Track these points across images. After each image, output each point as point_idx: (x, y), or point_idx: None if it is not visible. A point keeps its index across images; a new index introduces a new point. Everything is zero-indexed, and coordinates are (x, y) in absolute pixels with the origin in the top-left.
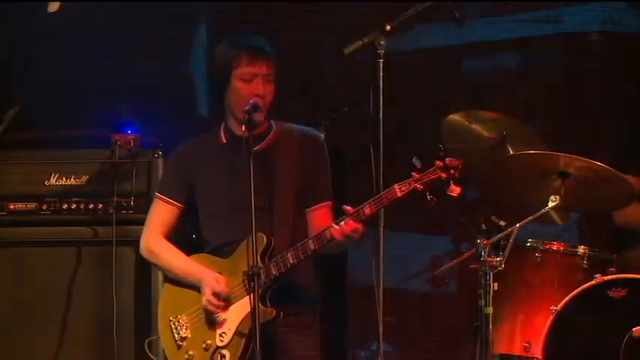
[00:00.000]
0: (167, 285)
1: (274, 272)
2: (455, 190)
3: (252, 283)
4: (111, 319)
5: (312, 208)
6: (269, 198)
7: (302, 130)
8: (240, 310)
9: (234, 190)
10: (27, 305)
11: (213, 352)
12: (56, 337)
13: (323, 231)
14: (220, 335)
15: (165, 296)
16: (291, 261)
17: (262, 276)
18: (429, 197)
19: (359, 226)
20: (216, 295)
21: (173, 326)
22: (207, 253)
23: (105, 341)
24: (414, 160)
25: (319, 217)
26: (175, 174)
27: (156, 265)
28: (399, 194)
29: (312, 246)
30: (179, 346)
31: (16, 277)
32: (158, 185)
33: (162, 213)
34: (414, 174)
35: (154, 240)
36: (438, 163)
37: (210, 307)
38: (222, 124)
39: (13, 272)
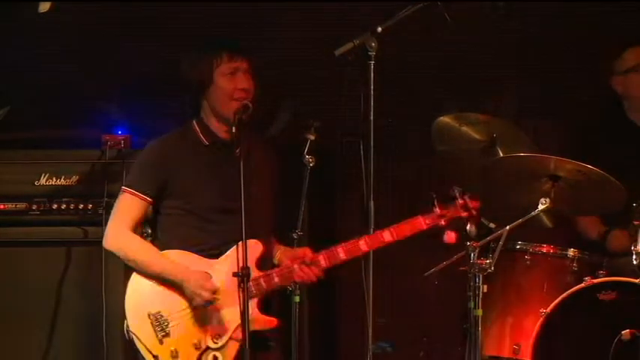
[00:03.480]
0: (138, 278)
1: (277, 282)
2: (451, 238)
3: (244, 286)
4: (100, 319)
5: None
6: (253, 202)
7: (267, 140)
8: (237, 315)
9: (221, 193)
10: (16, 305)
11: (203, 352)
12: (45, 336)
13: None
14: (214, 337)
15: (138, 290)
16: (299, 273)
17: (262, 284)
18: (447, 234)
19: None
20: (210, 290)
21: (154, 320)
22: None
23: (94, 341)
24: (432, 194)
25: None
26: (150, 169)
27: (126, 261)
28: (425, 227)
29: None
30: (161, 341)
31: (5, 277)
32: (127, 179)
33: (132, 208)
34: (436, 209)
35: (125, 235)
36: (459, 201)
37: (204, 303)
38: (195, 122)
39: (2, 272)
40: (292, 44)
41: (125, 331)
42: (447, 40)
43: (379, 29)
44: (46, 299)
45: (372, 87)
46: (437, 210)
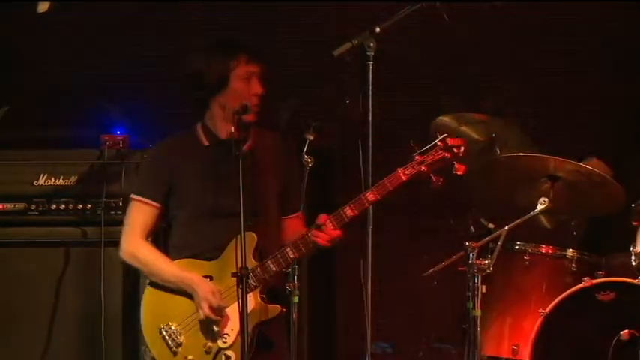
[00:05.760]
0: (150, 291)
1: (274, 268)
2: (460, 169)
3: (245, 283)
4: (99, 319)
5: (288, 217)
6: (255, 201)
7: (276, 134)
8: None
9: (220, 195)
10: (15, 305)
11: (216, 354)
12: (44, 337)
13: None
14: (222, 337)
15: (150, 304)
16: (291, 255)
17: (259, 273)
18: (433, 179)
19: (340, 233)
20: (213, 309)
21: (165, 334)
22: (190, 257)
23: (93, 341)
24: (411, 142)
25: (293, 225)
26: (154, 174)
27: (140, 269)
28: (404, 178)
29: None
30: (175, 353)
31: (4, 277)
32: (135, 187)
33: (142, 215)
34: (416, 157)
35: (137, 244)
36: (439, 143)
37: (207, 318)
38: (199, 125)
39: (1, 272)
40: (291, 44)
41: (143, 351)
42: (447, 39)
43: (377, 29)
44: (45, 299)
45: (370, 87)
46: (416, 158)
